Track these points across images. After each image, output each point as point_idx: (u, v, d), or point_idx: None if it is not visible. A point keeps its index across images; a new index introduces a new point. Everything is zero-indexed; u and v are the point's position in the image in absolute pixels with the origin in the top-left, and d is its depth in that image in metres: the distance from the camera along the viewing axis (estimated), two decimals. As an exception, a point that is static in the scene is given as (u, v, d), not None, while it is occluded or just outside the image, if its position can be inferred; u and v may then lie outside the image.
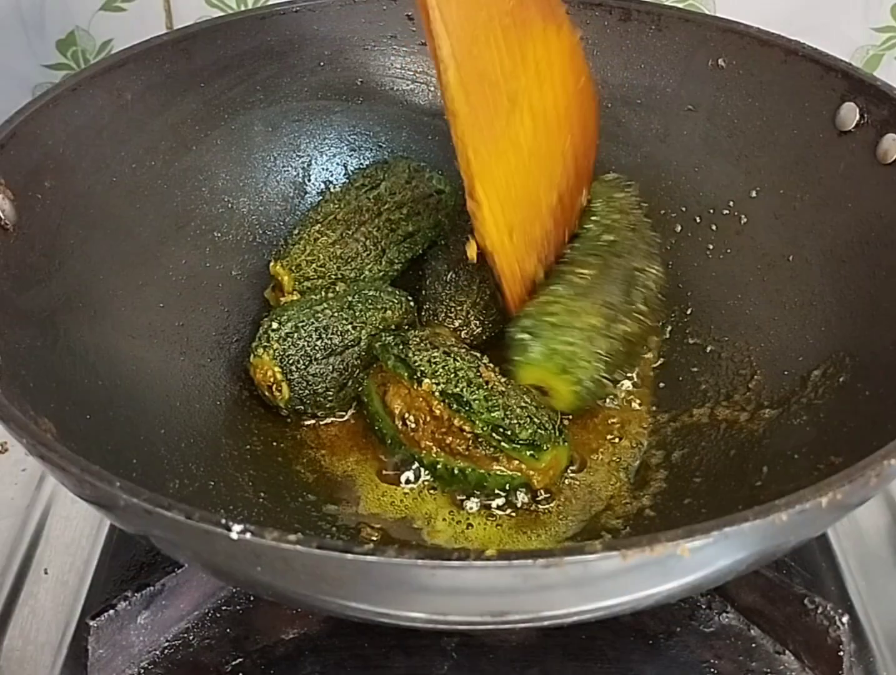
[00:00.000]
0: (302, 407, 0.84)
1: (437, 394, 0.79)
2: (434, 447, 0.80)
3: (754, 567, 0.66)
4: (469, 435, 0.78)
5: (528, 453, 0.78)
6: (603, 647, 0.73)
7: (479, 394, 0.79)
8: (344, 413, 0.87)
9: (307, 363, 0.83)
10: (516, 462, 0.78)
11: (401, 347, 0.82)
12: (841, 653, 0.69)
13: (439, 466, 0.80)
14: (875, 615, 0.76)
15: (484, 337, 0.91)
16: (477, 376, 0.80)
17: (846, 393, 0.76)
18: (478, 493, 0.80)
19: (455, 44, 0.72)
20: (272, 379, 0.83)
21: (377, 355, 0.84)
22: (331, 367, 0.84)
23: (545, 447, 0.78)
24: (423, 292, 0.94)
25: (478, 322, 0.91)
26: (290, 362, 0.83)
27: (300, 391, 0.83)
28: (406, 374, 0.80)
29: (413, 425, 0.80)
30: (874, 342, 0.76)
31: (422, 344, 0.82)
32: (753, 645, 0.73)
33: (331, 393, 0.84)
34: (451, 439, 0.79)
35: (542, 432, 0.78)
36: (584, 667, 0.72)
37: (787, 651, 0.72)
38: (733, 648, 0.73)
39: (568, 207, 0.89)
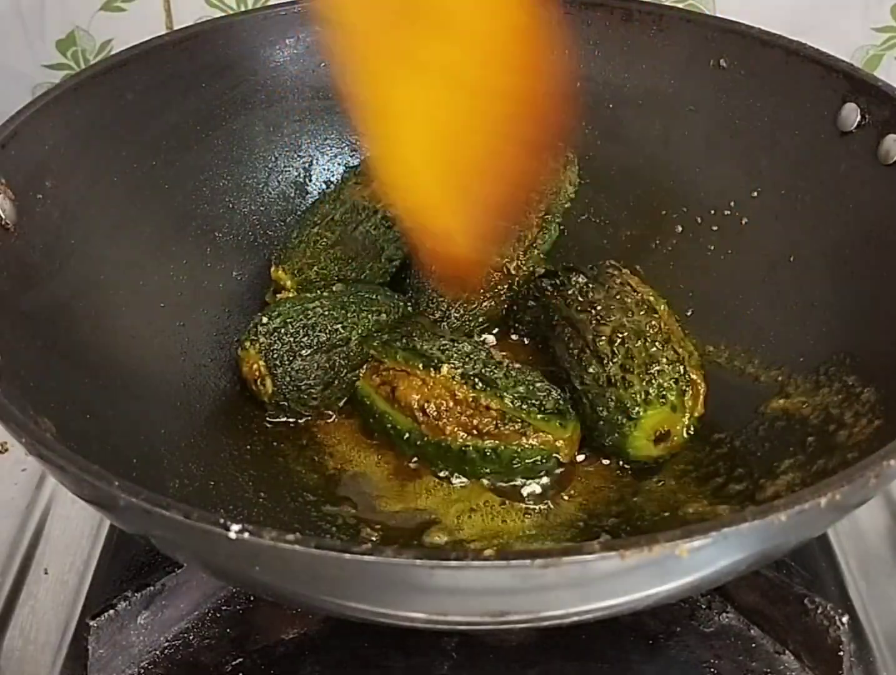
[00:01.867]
0: (286, 403, 0.84)
1: (457, 378, 0.80)
2: (461, 432, 0.80)
3: (754, 568, 0.66)
4: (496, 413, 0.79)
5: (557, 422, 0.79)
6: (603, 647, 0.73)
7: (498, 372, 0.80)
8: (331, 413, 0.87)
9: (291, 359, 0.83)
10: (542, 434, 0.79)
11: (405, 340, 0.83)
12: (841, 653, 0.69)
13: (469, 449, 0.80)
14: (875, 615, 0.76)
15: (464, 331, 0.92)
16: (489, 358, 0.82)
17: (847, 394, 0.76)
18: (504, 479, 0.81)
19: None
20: (257, 373, 0.83)
21: (376, 353, 0.84)
22: (315, 364, 0.84)
23: (569, 415, 0.80)
24: (409, 281, 0.95)
25: (458, 315, 0.92)
26: (275, 356, 0.83)
27: (284, 387, 0.84)
28: (420, 364, 0.81)
29: (435, 414, 0.80)
30: (875, 343, 0.76)
31: (425, 335, 0.83)
32: (753, 645, 0.73)
33: (315, 391, 0.84)
34: (477, 419, 0.79)
35: (563, 402, 0.81)
36: (584, 667, 0.72)
37: (787, 651, 0.72)
38: (733, 648, 0.73)
39: (521, 157, 0.77)
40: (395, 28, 0.67)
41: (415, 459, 0.83)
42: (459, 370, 0.80)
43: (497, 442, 0.79)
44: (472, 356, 0.82)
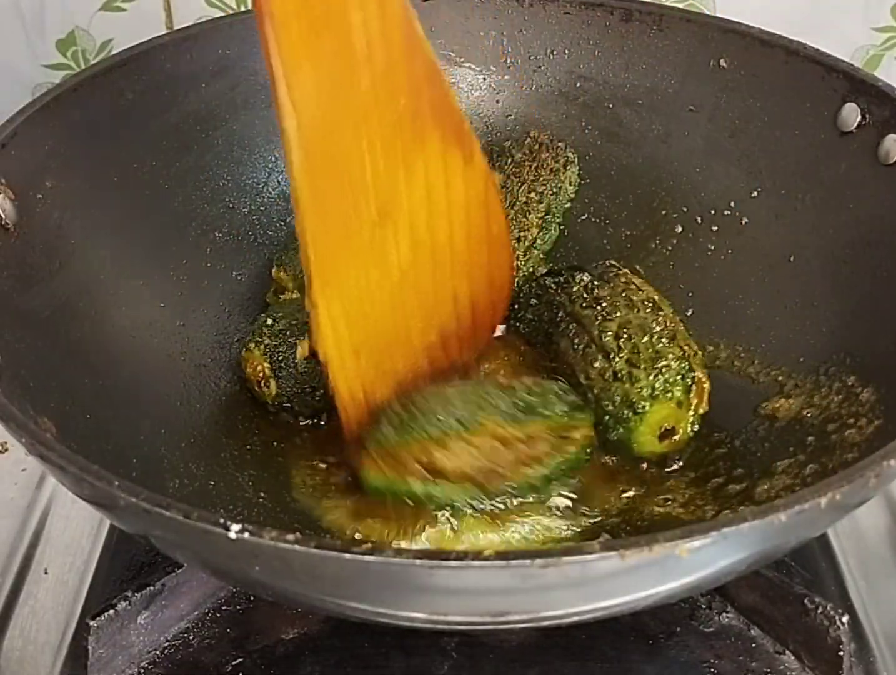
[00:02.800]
0: (289, 405, 0.84)
1: (505, 420, 0.77)
2: (520, 469, 0.77)
3: (754, 568, 0.66)
4: (545, 433, 0.78)
5: (589, 413, 0.80)
6: (603, 647, 0.73)
7: (528, 398, 0.78)
8: (333, 416, 0.86)
9: (297, 361, 0.83)
10: (583, 432, 0.79)
11: (422, 423, 0.76)
12: (841, 653, 0.69)
13: (533, 482, 0.77)
14: (875, 615, 0.76)
15: None
16: (500, 390, 0.79)
17: (847, 394, 0.76)
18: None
19: (305, 123, 0.64)
20: (261, 374, 0.83)
21: (389, 446, 0.77)
22: (321, 367, 0.83)
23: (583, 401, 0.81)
24: None
25: None
26: (280, 358, 0.83)
27: (288, 389, 0.83)
28: (460, 428, 0.76)
29: (496, 467, 0.76)
30: (875, 343, 0.76)
31: (428, 410, 0.77)
32: (753, 645, 0.73)
33: (318, 394, 0.84)
34: (531, 450, 0.77)
35: (571, 391, 0.81)
36: (584, 667, 0.72)
37: (787, 651, 0.72)
38: (733, 648, 0.73)
39: (454, 354, 0.83)
40: (355, 213, 0.71)
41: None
42: (498, 414, 0.77)
43: (553, 460, 0.77)
44: (489, 397, 0.78)
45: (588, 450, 0.80)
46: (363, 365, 0.76)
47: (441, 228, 0.76)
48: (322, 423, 0.86)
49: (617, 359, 0.80)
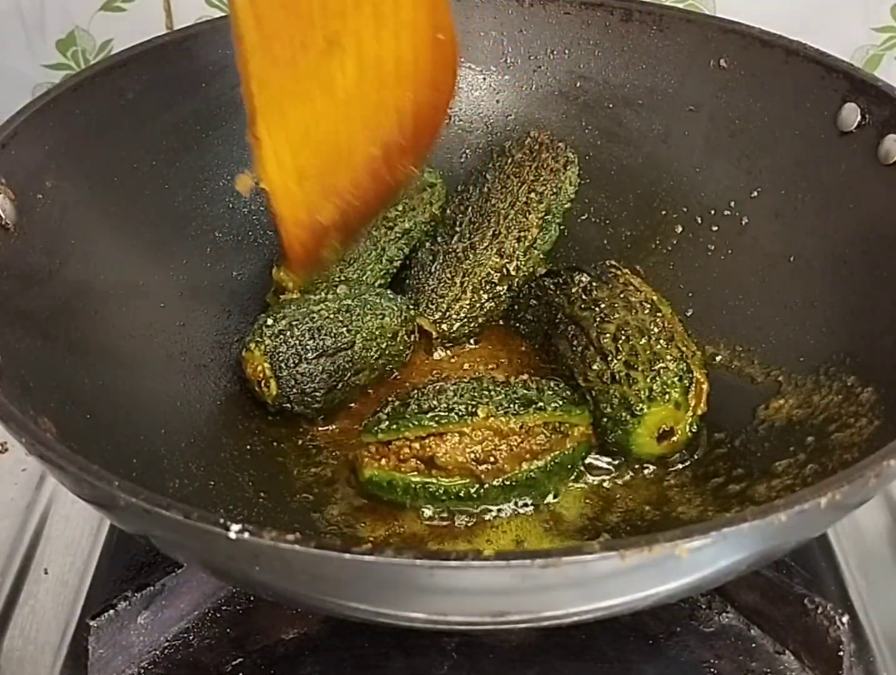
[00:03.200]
0: (289, 405, 0.84)
1: (500, 411, 0.77)
2: (517, 463, 0.77)
3: (754, 568, 0.66)
4: (541, 427, 0.78)
5: (585, 410, 0.80)
6: (603, 647, 0.73)
7: (523, 392, 0.79)
8: (333, 417, 0.86)
9: (297, 362, 0.83)
10: (580, 429, 0.80)
11: (415, 407, 0.78)
12: (841, 653, 0.69)
13: (533, 475, 0.78)
14: (875, 615, 0.76)
15: (464, 330, 0.92)
16: (496, 385, 0.80)
17: (847, 394, 0.76)
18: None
19: None
20: (262, 375, 0.83)
21: (385, 436, 0.78)
22: (321, 368, 0.83)
23: (581, 400, 0.82)
24: (408, 281, 0.95)
25: (456, 316, 0.92)
26: (280, 359, 0.83)
27: (288, 390, 0.83)
28: (455, 418, 0.77)
29: (492, 459, 0.77)
30: (875, 343, 0.76)
31: (422, 399, 0.79)
32: (753, 645, 0.73)
33: (318, 394, 0.84)
34: (527, 443, 0.78)
35: (569, 389, 0.82)
36: (584, 667, 0.72)
37: (787, 651, 0.72)
38: (733, 648, 0.73)
39: (396, 165, 0.81)
40: (301, 45, 0.70)
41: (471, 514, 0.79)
42: (493, 406, 0.77)
43: (553, 455, 0.78)
44: (488, 390, 0.79)
45: (586, 448, 0.81)
46: (307, 188, 0.75)
47: (387, 44, 0.75)
48: (322, 423, 0.86)
49: (615, 361, 0.80)
